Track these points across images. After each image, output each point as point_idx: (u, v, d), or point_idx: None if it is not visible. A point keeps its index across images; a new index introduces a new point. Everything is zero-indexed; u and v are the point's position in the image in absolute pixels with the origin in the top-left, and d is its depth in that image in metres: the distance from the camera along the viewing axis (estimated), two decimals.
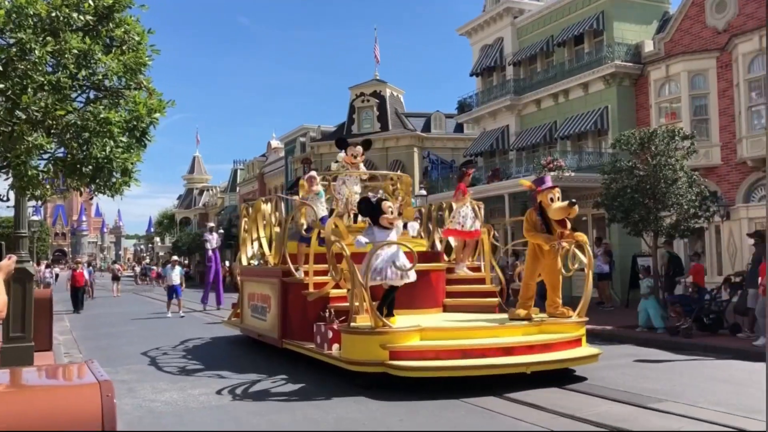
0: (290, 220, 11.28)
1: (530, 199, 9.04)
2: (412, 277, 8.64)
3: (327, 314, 9.43)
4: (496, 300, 10.91)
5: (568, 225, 9.20)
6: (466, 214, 11.40)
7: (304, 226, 10.92)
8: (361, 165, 12.45)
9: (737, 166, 19.30)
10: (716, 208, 15.84)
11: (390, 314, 8.69)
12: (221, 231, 29.30)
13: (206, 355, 11.91)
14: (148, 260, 74.97)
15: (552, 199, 9.11)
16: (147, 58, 7.73)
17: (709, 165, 19.65)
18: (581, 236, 9.32)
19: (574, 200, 9.04)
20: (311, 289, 10.12)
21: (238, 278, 14.56)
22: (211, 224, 25.38)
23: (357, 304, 8.69)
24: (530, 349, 8.50)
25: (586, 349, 9.01)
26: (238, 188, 59.54)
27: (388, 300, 8.73)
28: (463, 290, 11.40)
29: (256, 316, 12.17)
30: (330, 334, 9.11)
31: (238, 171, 60.72)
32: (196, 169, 73.47)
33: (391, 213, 8.89)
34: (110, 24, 7.59)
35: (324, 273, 10.13)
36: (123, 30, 7.66)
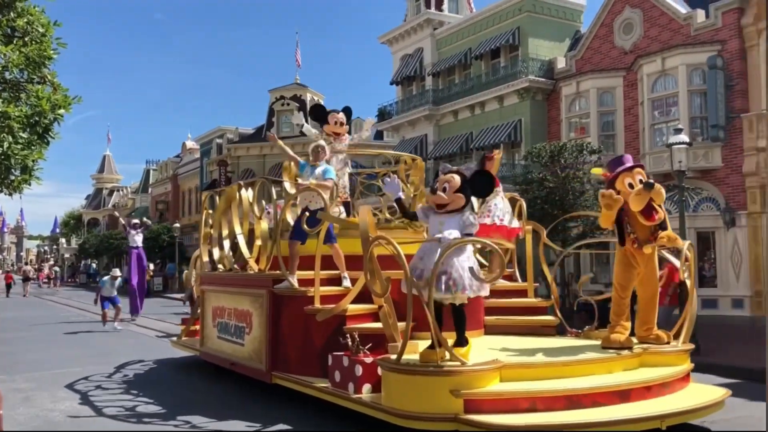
0: (284, 211, 8.25)
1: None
2: (487, 290, 6.06)
3: (349, 340, 6.55)
4: (554, 319, 8.52)
5: (660, 215, 6.73)
6: (502, 208, 8.64)
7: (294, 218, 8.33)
8: (347, 138, 9.66)
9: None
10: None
11: (461, 343, 5.94)
12: (148, 223, 24.91)
13: (153, 385, 9.11)
14: (52, 261, 71.45)
15: (631, 185, 6.73)
16: (52, 51, 7.41)
17: None
18: (677, 238, 7.03)
19: (651, 180, 6.69)
20: (318, 304, 7.29)
21: (195, 288, 11.74)
22: (136, 220, 22.63)
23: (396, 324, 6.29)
24: (648, 391, 6.08)
25: (710, 389, 6.64)
26: (150, 189, 57.68)
27: (462, 322, 6.01)
28: (503, 305, 8.66)
29: (226, 337, 9.16)
30: (359, 370, 6.25)
31: (151, 171, 58.85)
32: (106, 169, 70.77)
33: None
34: (11, 13, 7.21)
35: (331, 282, 7.87)
36: (26, 20, 7.31)
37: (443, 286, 5.58)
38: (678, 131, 13.45)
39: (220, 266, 9.92)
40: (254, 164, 37.64)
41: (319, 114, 9.46)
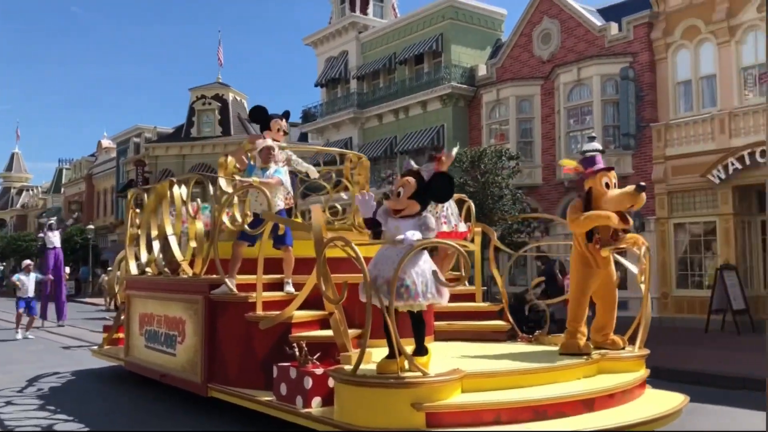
0: (223, 210, 7.54)
1: (576, 187, 6.60)
2: (447, 297, 5.61)
3: (296, 350, 5.99)
4: (505, 324, 8.17)
5: (631, 222, 6.66)
6: (449, 209, 8.31)
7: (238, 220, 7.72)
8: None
9: (556, 186, 20.97)
10: (536, 224, 17.04)
11: (421, 352, 5.46)
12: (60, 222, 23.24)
13: (72, 399, 8.31)
14: None
15: (607, 185, 6.59)
16: None
17: (532, 184, 21.17)
18: (638, 238, 6.81)
19: (642, 183, 6.57)
20: (260, 311, 6.69)
21: (118, 292, 11.04)
22: (51, 220, 21.11)
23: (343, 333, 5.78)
24: (611, 399, 5.81)
25: (668, 395, 6.47)
26: (63, 189, 55.28)
27: (422, 330, 5.55)
28: (452, 310, 7.98)
29: (155, 347, 8.48)
30: (308, 383, 5.72)
31: (64, 170, 56.43)
32: (14, 167, 67.35)
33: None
34: None
35: (273, 287, 7.25)
36: None
37: (403, 293, 5.17)
38: (591, 139, 14.00)
39: (148, 270, 9.18)
40: (173, 165, 36.66)
41: (258, 116, 8.74)
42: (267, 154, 7.51)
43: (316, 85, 30.38)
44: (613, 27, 20.11)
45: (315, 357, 5.90)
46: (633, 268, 6.88)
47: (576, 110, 20.38)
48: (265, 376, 6.36)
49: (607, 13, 21.64)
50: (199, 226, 7.90)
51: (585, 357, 6.27)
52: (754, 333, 15.01)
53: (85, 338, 15.17)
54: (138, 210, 10.05)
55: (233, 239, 7.38)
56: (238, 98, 39.16)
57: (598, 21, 20.99)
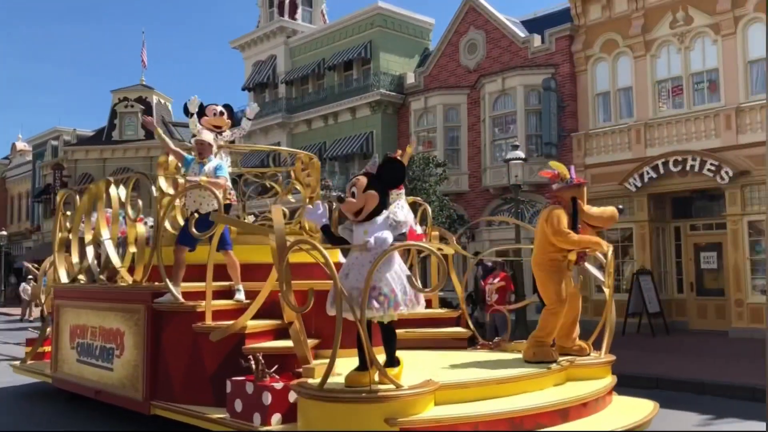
0: (165, 212, 7.06)
1: (553, 197, 6.65)
2: (423, 305, 5.24)
3: (252, 363, 5.45)
4: (465, 331, 7.87)
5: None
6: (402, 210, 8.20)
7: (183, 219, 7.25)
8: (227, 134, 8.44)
9: (481, 193, 21.39)
10: (462, 230, 17.31)
11: (392, 363, 5.07)
12: None
13: None
14: None
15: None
16: None
17: (458, 191, 21.53)
18: (604, 243, 6.67)
19: (621, 206, 6.75)
20: (209, 321, 6.14)
21: (44, 302, 10.32)
22: None
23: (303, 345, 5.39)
24: (584, 408, 5.64)
25: (637, 402, 6.35)
26: None
27: (393, 340, 5.15)
28: (409, 317, 7.03)
29: (88, 361, 7.80)
30: (267, 398, 5.23)
31: None
32: None
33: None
34: None
35: (220, 295, 6.72)
36: None
37: (375, 303, 4.69)
38: (515, 148, 14.34)
39: (81, 277, 8.47)
40: (94, 169, 35.38)
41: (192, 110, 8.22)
42: (202, 146, 6.98)
43: (243, 89, 29.98)
44: (536, 39, 20.70)
45: (272, 370, 5.42)
46: (598, 274, 6.72)
47: (501, 119, 20.86)
48: (215, 392, 5.89)
49: (530, 25, 22.27)
50: (141, 229, 7.32)
51: (554, 364, 6.00)
52: (668, 335, 15.72)
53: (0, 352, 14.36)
54: (68, 213, 9.33)
55: (173, 244, 6.90)
56: (163, 101, 38.18)
57: (521, 33, 21.56)
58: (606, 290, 6.58)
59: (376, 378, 4.85)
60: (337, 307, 4.69)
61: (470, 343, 7.83)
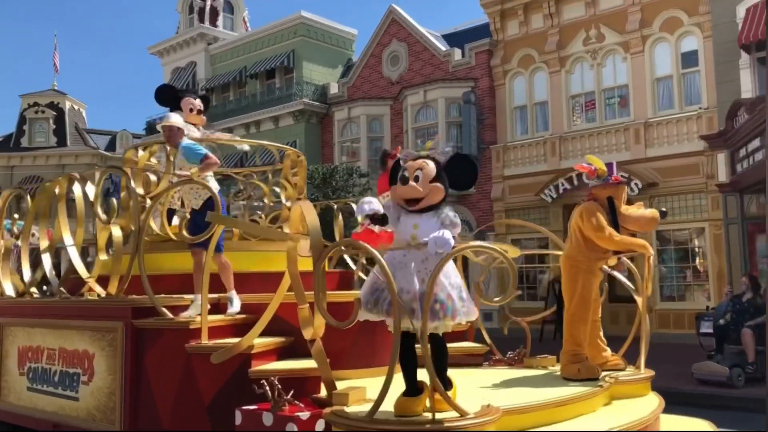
0: (149, 212, 5.96)
1: (588, 195, 5.83)
2: (476, 313, 4.51)
3: (267, 389, 4.47)
4: (481, 346, 7.03)
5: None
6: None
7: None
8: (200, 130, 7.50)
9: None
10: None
11: (444, 385, 4.22)
12: None
13: None
14: None
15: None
16: None
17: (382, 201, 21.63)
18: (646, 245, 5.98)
19: (664, 209, 6.11)
20: (206, 339, 5.18)
21: None
22: None
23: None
24: None
25: (691, 421, 5.87)
26: None
27: (445, 358, 4.35)
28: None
29: (44, 389, 6.67)
30: (293, 430, 4.41)
31: None
32: None
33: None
34: None
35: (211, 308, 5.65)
36: None
37: (438, 311, 4.04)
38: None
39: (33, 290, 7.27)
40: (0, 177, 33.64)
41: (166, 97, 7.35)
42: (171, 133, 6.01)
43: None
44: (457, 53, 21.15)
45: (288, 396, 4.52)
46: (626, 281, 6.19)
47: (423, 130, 21.17)
48: (214, 423, 5.06)
49: (451, 39, 22.73)
50: (116, 233, 6.27)
51: (601, 382, 5.28)
52: None
53: None
54: (16, 215, 8.31)
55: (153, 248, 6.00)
56: (76, 107, 36.75)
57: (443, 46, 21.98)
58: (638, 299, 5.88)
59: (427, 404, 4.08)
60: (394, 319, 3.81)
61: (484, 358, 7.06)
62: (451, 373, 4.68)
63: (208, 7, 28.95)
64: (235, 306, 5.56)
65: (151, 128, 30.05)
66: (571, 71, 18.86)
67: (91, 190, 6.69)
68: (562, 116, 18.80)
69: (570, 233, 5.72)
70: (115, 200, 6.75)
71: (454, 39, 22.56)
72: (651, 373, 5.76)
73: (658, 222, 5.79)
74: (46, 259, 7.12)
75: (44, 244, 7.27)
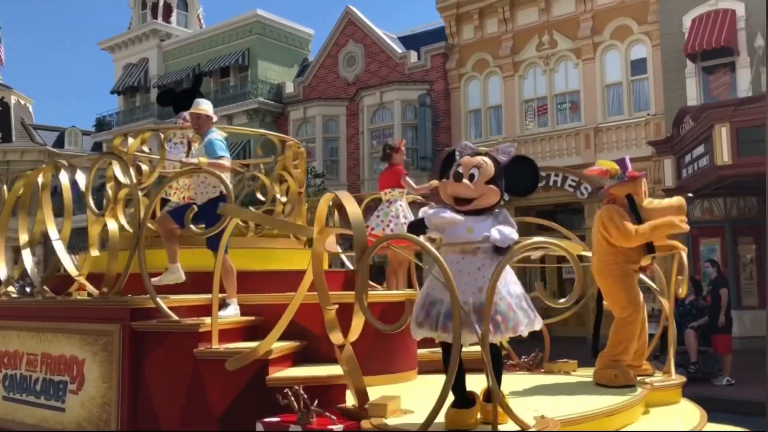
0: (152, 203, 5.49)
1: (607, 197, 5.42)
2: (541, 322, 4.07)
3: (292, 399, 3.92)
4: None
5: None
6: (402, 210, 7.31)
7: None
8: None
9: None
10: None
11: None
12: None
13: None
14: None
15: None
16: None
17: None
18: (677, 243, 5.57)
19: (690, 194, 5.59)
20: (216, 344, 4.62)
21: None
22: None
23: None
24: None
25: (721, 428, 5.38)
26: None
27: (501, 368, 3.99)
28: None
29: (22, 398, 6.07)
30: None
31: None
32: None
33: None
34: None
35: (205, 310, 5.07)
36: None
37: (500, 322, 3.64)
38: None
39: (10, 290, 6.64)
40: None
41: (168, 102, 6.94)
42: (200, 121, 5.59)
43: (112, 93, 28.62)
44: (413, 55, 21.26)
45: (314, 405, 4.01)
46: (649, 282, 5.81)
47: (379, 132, 21.21)
48: None
49: (407, 41, 22.84)
50: (111, 225, 5.67)
51: (638, 389, 4.92)
52: (533, 342, 16.51)
53: None
54: None
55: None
56: (22, 102, 35.67)
57: (399, 48, 22.06)
58: (664, 301, 5.50)
59: (479, 416, 3.75)
60: (454, 330, 3.37)
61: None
62: (471, 379, 4.36)
63: (161, 3, 28.47)
64: (230, 311, 5.09)
65: (101, 125, 29.39)
66: (524, 76, 19.15)
67: (81, 178, 6.09)
68: (515, 120, 19.07)
69: (594, 243, 5.32)
70: (110, 190, 6.03)
71: (410, 41, 22.66)
72: (683, 379, 5.51)
73: (685, 210, 5.23)
74: (27, 255, 6.40)
75: (24, 238, 6.56)
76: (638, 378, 5.10)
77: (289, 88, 24.09)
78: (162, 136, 6.04)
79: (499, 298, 3.57)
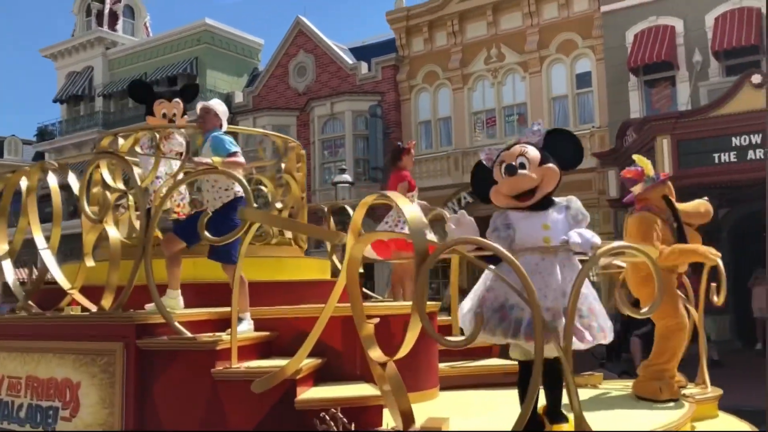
0: (159, 208, 4.78)
1: (640, 202, 4.81)
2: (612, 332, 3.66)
3: (331, 424, 3.57)
4: (515, 364, 5.49)
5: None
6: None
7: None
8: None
9: (310, 216, 21.43)
10: None
11: (559, 415, 3.55)
12: None
13: None
14: None
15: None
16: None
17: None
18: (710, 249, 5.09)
19: (706, 198, 5.23)
20: (236, 362, 4.11)
21: None
22: None
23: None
24: None
25: None
26: None
27: (561, 383, 3.53)
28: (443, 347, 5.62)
29: (5, 427, 5.39)
30: None
31: None
32: None
33: None
34: None
35: (215, 325, 4.65)
36: None
37: (586, 333, 3.27)
38: (342, 171, 14.63)
39: None
40: None
41: (139, 95, 6.31)
42: (208, 117, 4.94)
43: (55, 101, 27.83)
44: (364, 66, 21.33)
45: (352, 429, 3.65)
46: (681, 294, 5.34)
47: (330, 142, 21.18)
48: None
49: (358, 53, 22.90)
50: (112, 233, 5.08)
51: (678, 403, 4.61)
52: None
53: None
54: None
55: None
56: None
57: (350, 59, 22.10)
58: (694, 311, 5.14)
59: None
60: (536, 340, 2.96)
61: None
62: (492, 394, 4.07)
63: (107, 11, 27.86)
64: (243, 327, 4.56)
65: (42, 134, 28.54)
66: (473, 88, 19.41)
67: (74, 182, 5.46)
68: (464, 132, 19.29)
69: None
70: (108, 194, 5.47)
71: (361, 53, 22.73)
72: (720, 391, 5.12)
73: (711, 215, 4.97)
74: (8, 267, 5.73)
75: (3, 248, 5.80)
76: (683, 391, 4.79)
77: (239, 98, 23.85)
78: (158, 136, 5.44)
79: (586, 303, 3.25)
